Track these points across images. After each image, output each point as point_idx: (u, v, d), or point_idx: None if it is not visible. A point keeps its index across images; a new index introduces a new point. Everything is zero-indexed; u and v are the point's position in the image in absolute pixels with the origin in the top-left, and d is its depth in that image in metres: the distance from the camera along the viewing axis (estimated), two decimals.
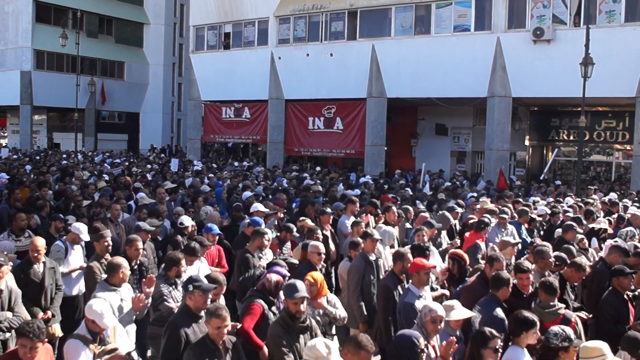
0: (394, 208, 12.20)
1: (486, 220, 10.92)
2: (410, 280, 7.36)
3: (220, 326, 5.41)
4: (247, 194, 14.99)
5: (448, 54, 26.92)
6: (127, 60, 50.31)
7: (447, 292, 8.27)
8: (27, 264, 7.90)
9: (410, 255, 7.81)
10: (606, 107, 29.39)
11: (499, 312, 6.65)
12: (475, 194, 18.09)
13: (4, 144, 50.89)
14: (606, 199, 17.63)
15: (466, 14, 27.05)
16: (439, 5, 27.57)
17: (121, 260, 7.06)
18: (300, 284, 6.19)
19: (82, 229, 9.05)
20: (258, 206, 11.86)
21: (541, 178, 26.31)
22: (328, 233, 11.24)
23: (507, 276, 6.99)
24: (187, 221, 10.56)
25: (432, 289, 7.98)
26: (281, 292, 6.79)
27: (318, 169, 28.98)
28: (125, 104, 50.25)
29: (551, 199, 17.62)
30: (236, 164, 31.90)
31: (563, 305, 6.72)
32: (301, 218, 11.39)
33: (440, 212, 12.68)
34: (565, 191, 21.74)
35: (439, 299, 7.92)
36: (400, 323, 6.97)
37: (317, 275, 7.39)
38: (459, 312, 6.25)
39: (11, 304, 6.80)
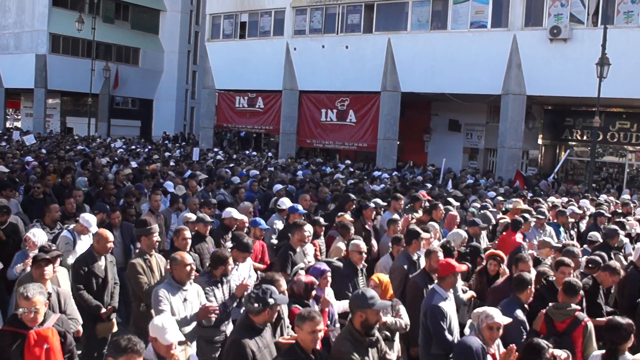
0: (440, 206, 11.88)
1: (521, 219, 10.71)
2: (436, 281, 7.11)
3: (315, 329, 4.97)
4: (279, 186, 14.39)
5: (464, 50, 26.86)
6: (143, 47, 50.37)
7: (475, 294, 8.11)
8: (91, 258, 7.53)
9: (440, 254, 7.57)
10: (621, 108, 29.28)
11: (519, 314, 6.60)
12: (495, 193, 17.91)
13: (17, 126, 51.17)
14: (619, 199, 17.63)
15: (483, 10, 26.97)
16: (456, 0, 27.49)
17: (186, 255, 6.46)
18: (372, 291, 5.68)
19: (91, 221, 8.80)
20: (285, 201, 11.31)
21: (551, 177, 26.26)
22: (371, 229, 10.95)
23: (529, 277, 6.93)
24: (237, 215, 9.86)
25: (462, 291, 7.79)
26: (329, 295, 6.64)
27: (348, 162, 28.54)
28: (139, 90, 50.35)
29: (565, 199, 17.53)
30: (254, 153, 31.85)
31: (578, 308, 6.60)
32: (340, 213, 11.01)
33: (482, 211, 12.40)
34: (579, 192, 21.63)
35: (467, 301, 7.88)
36: (425, 326, 6.77)
37: (383, 277, 7.01)
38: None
39: (62, 307, 6.37)
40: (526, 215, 11.15)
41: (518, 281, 6.90)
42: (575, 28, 24.87)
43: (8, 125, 50.22)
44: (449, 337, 6.55)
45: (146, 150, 28.67)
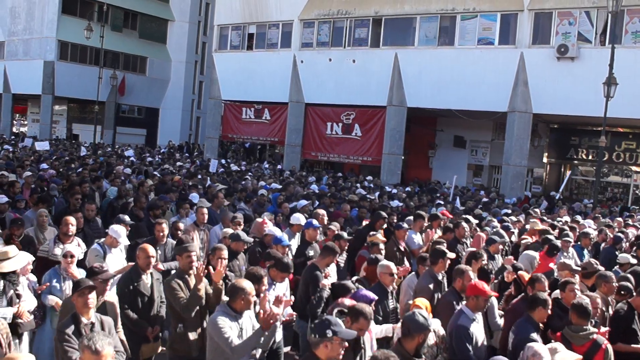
0: (463, 224, 11.65)
1: (558, 245, 10.54)
2: (463, 302, 6.92)
3: None
4: (303, 202, 13.77)
5: (470, 67, 26.87)
6: (150, 56, 50.57)
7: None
8: (136, 275, 7.16)
9: (471, 273, 7.40)
10: (627, 128, 29.21)
11: (534, 335, 6.39)
12: (509, 211, 17.72)
13: (22, 131, 51.33)
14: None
15: (491, 27, 26.99)
16: (464, 17, 27.54)
17: (246, 284, 5.96)
18: (423, 311, 5.47)
19: (120, 232, 8.51)
20: (300, 218, 10.72)
21: (557, 197, 26.14)
22: (403, 250, 10.69)
23: (543, 297, 6.77)
24: (276, 231, 9.50)
25: (500, 317, 7.61)
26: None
27: (369, 178, 27.89)
28: (145, 99, 50.53)
29: (568, 219, 17.34)
30: (266, 166, 31.71)
31: (595, 330, 6.43)
32: (371, 232, 10.55)
33: (495, 229, 12.19)
34: (583, 211, 21.51)
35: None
36: (451, 347, 6.53)
37: (423, 302, 6.78)
38: (564, 355, 5.60)
39: None
40: (554, 240, 10.84)
41: (532, 300, 6.75)
42: (583, 47, 24.87)
43: (15, 130, 50.40)
44: (474, 358, 6.36)
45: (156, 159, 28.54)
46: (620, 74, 21.60)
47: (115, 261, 8.35)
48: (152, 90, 50.54)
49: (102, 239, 8.70)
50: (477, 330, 6.62)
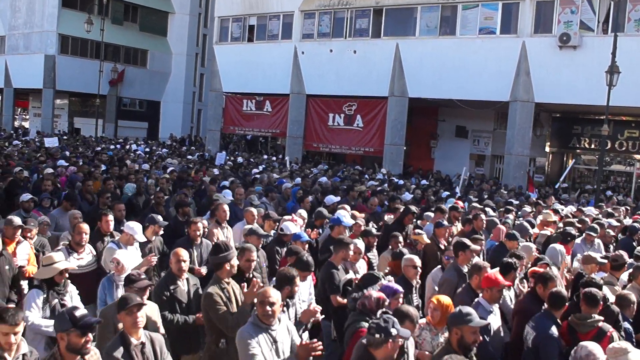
0: (482, 216, 11.44)
1: (573, 232, 10.41)
2: (480, 295, 6.86)
3: None
4: (332, 198, 13.07)
5: (472, 56, 26.75)
6: (151, 49, 50.44)
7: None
8: (171, 280, 6.71)
9: (489, 269, 7.25)
10: (630, 116, 29.10)
11: (554, 330, 6.28)
12: (516, 201, 17.55)
13: (23, 126, 51.30)
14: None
15: (492, 16, 26.86)
16: (465, 6, 27.40)
17: (272, 292, 5.32)
18: (469, 308, 5.26)
19: (136, 229, 8.12)
20: (345, 215, 10.15)
21: (556, 186, 26.08)
22: (443, 247, 10.31)
23: (566, 294, 6.66)
24: (293, 228, 9.12)
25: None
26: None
27: (384, 170, 27.45)
28: (146, 92, 50.42)
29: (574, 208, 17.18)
30: (274, 158, 31.63)
31: (601, 318, 6.32)
32: (417, 231, 10.27)
33: (519, 221, 12.02)
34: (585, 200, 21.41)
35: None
36: None
37: (445, 299, 6.45)
38: (636, 356, 5.22)
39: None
40: (572, 229, 10.75)
41: (555, 297, 6.56)
42: (585, 35, 24.73)
43: (16, 124, 50.38)
44: (492, 350, 6.34)
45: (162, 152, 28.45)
46: (622, 62, 21.50)
47: (131, 259, 7.86)
48: (153, 83, 50.42)
49: (117, 237, 8.35)
50: (494, 322, 6.61)
